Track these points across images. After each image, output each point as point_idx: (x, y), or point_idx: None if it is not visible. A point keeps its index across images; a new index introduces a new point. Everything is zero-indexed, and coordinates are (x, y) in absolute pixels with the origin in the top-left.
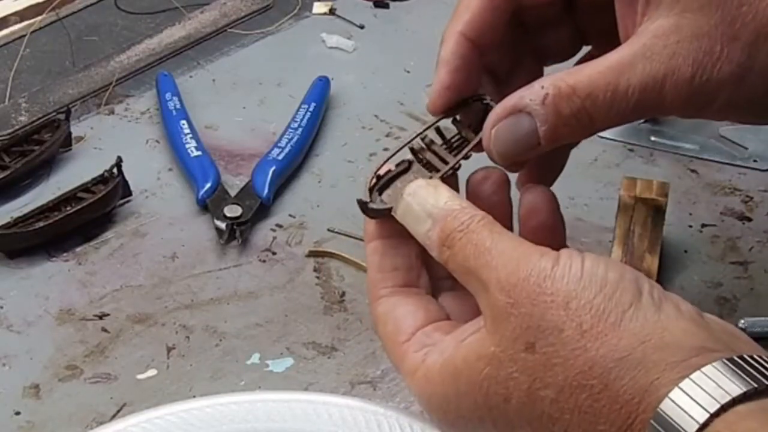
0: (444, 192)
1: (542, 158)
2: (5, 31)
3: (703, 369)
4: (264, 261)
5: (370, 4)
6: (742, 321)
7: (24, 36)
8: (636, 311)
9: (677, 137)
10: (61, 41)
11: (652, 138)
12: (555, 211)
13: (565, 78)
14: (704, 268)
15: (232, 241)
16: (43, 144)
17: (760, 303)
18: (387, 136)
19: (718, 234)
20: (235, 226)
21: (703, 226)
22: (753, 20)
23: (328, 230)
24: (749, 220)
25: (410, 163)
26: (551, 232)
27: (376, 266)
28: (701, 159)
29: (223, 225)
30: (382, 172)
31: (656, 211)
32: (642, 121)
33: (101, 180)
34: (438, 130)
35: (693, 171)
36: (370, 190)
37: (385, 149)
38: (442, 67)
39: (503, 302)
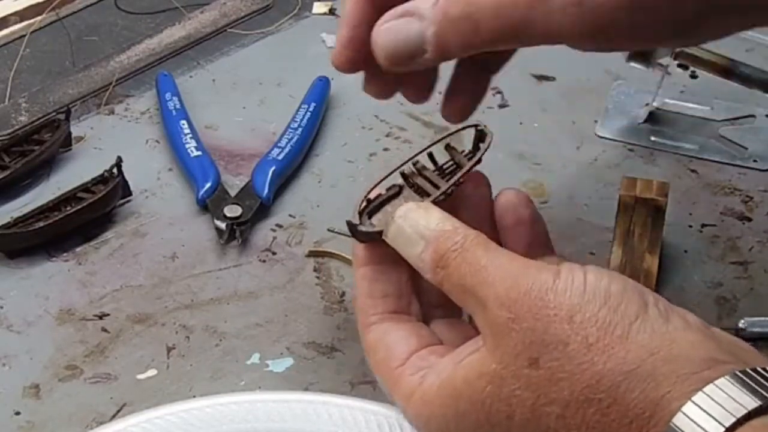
0: (435, 213)
1: (463, 83)
2: (5, 31)
3: (715, 382)
4: (264, 261)
5: None
6: (742, 321)
7: (24, 36)
8: (643, 323)
9: (677, 137)
10: (61, 41)
11: (652, 138)
12: (528, 205)
13: None
14: (704, 268)
15: (232, 241)
16: (43, 144)
17: (760, 303)
18: (387, 136)
19: (718, 234)
20: (235, 226)
21: (703, 226)
22: None
23: (328, 230)
24: (749, 220)
25: (401, 187)
26: (531, 228)
27: (365, 293)
28: (701, 159)
29: (223, 225)
30: (372, 196)
31: (656, 211)
32: (642, 120)
33: (101, 180)
34: (430, 156)
35: (693, 171)
36: (360, 213)
37: (386, 149)
38: (342, 25)
39: (504, 318)
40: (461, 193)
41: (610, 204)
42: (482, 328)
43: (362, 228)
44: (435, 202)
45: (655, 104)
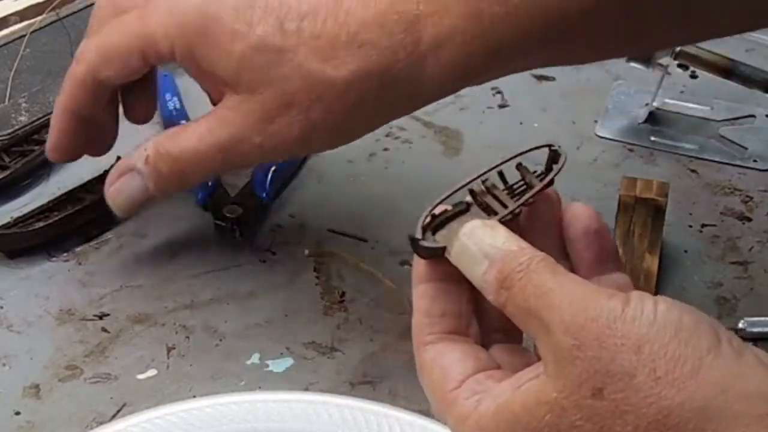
0: (502, 232)
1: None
2: (5, 31)
3: None
4: (264, 261)
5: None
6: (742, 321)
7: (24, 36)
8: (716, 358)
9: (677, 137)
10: (61, 41)
11: (652, 138)
12: (596, 218)
13: (163, 142)
14: (704, 268)
15: (232, 242)
16: (43, 144)
17: (760, 303)
18: (387, 136)
19: (718, 234)
20: (235, 226)
21: (703, 226)
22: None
23: (328, 230)
24: (749, 220)
25: (468, 205)
26: (598, 239)
27: (424, 311)
28: (701, 159)
29: (223, 225)
30: (437, 211)
31: (656, 211)
32: (642, 120)
33: (101, 180)
34: (500, 175)
35: (693, 171)
36: (424, 228)
37: (386, 149)
38: (51, 133)
39: (568, 344)
40: (532, 213)
41: (610, 204)
42: (544, 354)
43: (424, 243)
44: (502, 222)
45: (655, 104)
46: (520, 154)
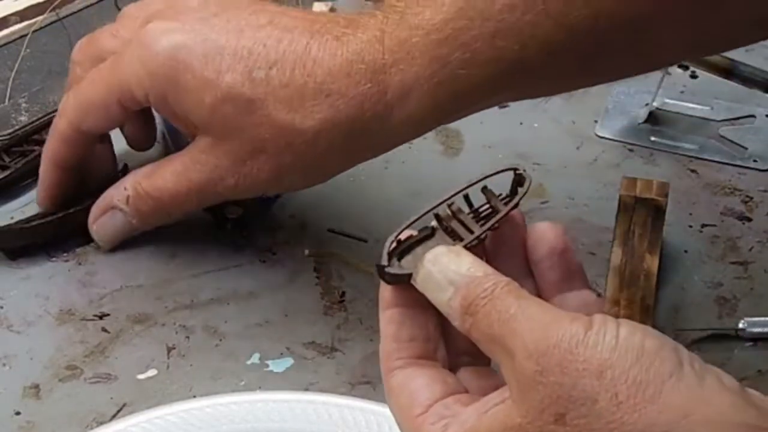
0: (466, 258)
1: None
2: (5, 31)
3: None
4: (264, 261)
5: (370, 4)
6: (742, 321)
7: (24, 36)
8: (677, 382)
9: (677, 137)
10: (61, 41)
11: (652, 138)
12: (561, 236)
13: (141, 182)
14: (704, 268)
15: (232, 242)
16: (43, 144)
17: (760, 303)
18: None
19: (718, 234)
20: (235, 227)
21: (703, 226)
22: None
23: (328, 230)
24: (749, 220)
25: (433, 229)
26: (563, 258)
27: (391, 336)
28: (701, 159)
29: (223, 225)
30: (403, 237)
31: (656, 211)
32: (642, 120)
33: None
34: (466, 198)
35: (693, 171)
36: (390, 254)
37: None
38: (41, 185)
39: (531, 370)
40: (497, 235)
41: (610, 204)
42: (509, 380)
43: (390, 270)
44: (467, 247)
45: (655, 104)
46: (485, 177)
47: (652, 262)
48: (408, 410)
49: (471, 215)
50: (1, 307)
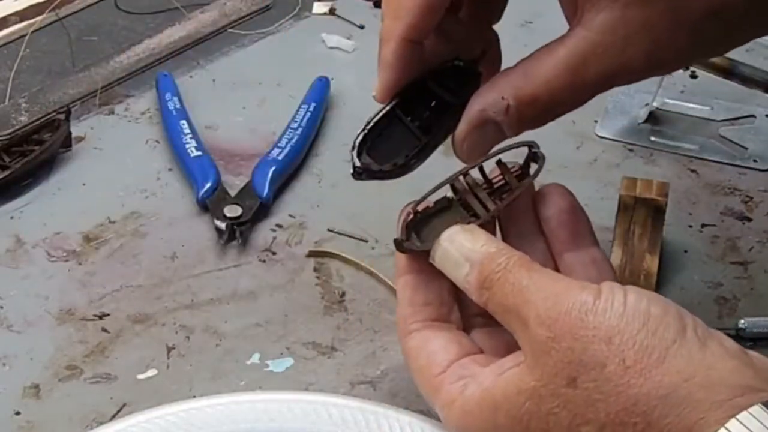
0: (481, 236)
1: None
2: (5, 31)
3: (749, 409)
4: (264, 261)
5: (370, 4)
6: (742, 321)
7: (24, 36)
8: (680, 348)
9: (677, 137)
10: (61, 41)
11: (652, 138)
12: (568, 195)
13: (522, 86)
14: (704, 268)
15: (232, 241)
16: (43, 144)
17: (760, 303)
18: None
19: (718, 234)
20: (235, 226)
21: (703, 226)
22: (696, 4)
23: (328, 230)
24: (749, 220)
25: (450, 201)
26: (572, 217)
27: (407, 300)
28: (701, 159)
29: (223, 225)
30: (420, 208)
31: (656, 211)
32: (642, 120)
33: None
34: (481, 170)
35: (693, 171)
36: (407, 227)
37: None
38: (386, 69)
39: (544, 336)
40: (511, 205)
41: (610, 204)
42: (523, 346)
43: (408, 245)
44: (482, 224)
45: (655, 104)
46: (501, 151)
47: (652, 262)
48: (427, 370)
49: (485, 187)
50: (1, 307)
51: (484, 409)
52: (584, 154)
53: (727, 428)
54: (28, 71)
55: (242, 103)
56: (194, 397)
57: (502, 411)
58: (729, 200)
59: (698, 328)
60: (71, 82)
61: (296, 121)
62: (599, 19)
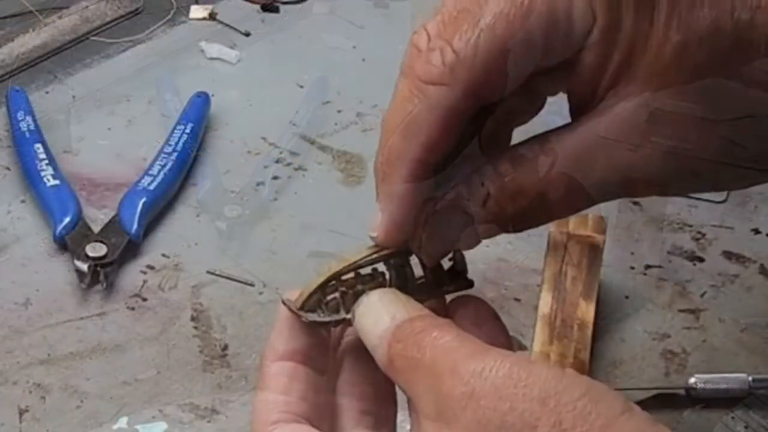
0: (412, 301)
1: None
2: None
3: None
4: (133, 308)
5: (257, 7)
6: (693, 378)
7: None
8: (629, 420)
9: None
10: None
11: None
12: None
13: (508, 174)
14: (649, 316)
15: (95, 285)
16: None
17: (713, 357)
18: (277, 162)
19: (664, 277)
20: (98, 268)
21: (647, 267)
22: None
23: (208, 272)
24: (701, 260)
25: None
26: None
27: (280, 389)
28: None
29: (84, 266)
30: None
31: (592, 250)
32: None
33: None
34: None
35: (635, 204)
36: (314, 292)
37: (275, 177)
38: (395, 202)
39: (458, 391)
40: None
41: (538, 241)
42: (424, 408)
43: (318, 319)
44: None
45: None
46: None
47: (588, 310)
48: None
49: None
50: None
51: None
52: None
53: None
54: None
55: (107, 123)
56: None
57: None
58: (677, 237)
59: (644, 413)
60: None
61: (170, 145)
62: (619, 106)
